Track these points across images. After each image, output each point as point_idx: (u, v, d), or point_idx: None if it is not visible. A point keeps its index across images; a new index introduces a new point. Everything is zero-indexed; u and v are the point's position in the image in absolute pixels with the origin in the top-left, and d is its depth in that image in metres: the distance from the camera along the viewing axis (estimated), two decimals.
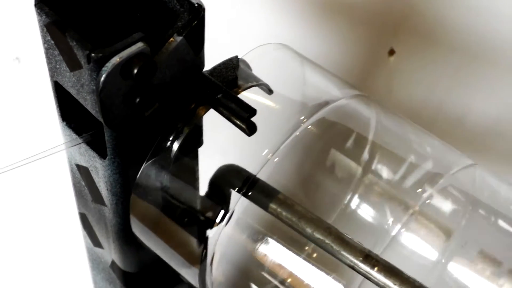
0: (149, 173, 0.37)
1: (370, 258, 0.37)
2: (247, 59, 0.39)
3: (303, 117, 0.38)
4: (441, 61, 0.51)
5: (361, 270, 0.37)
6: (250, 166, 0.38)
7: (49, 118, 0.50)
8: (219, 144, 0.39)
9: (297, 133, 0.38)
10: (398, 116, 0.40)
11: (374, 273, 0.36)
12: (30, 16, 0.55)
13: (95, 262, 0.44)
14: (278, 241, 0.41)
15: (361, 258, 0.37)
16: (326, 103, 0.38)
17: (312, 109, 0.38)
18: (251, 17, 0.54)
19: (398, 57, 0.52)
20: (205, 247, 0.39)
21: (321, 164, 0.43)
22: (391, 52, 0.53)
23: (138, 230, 0.39)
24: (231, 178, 0.39)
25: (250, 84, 0.38)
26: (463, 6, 0.49)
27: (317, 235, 0.38)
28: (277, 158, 0.38)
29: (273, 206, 0.39)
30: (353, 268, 0.37)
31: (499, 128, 0.51)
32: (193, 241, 0.39)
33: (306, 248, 0.43)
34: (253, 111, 0.35)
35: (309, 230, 0.38)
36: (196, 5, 0.34)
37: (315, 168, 0.43)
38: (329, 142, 0.41)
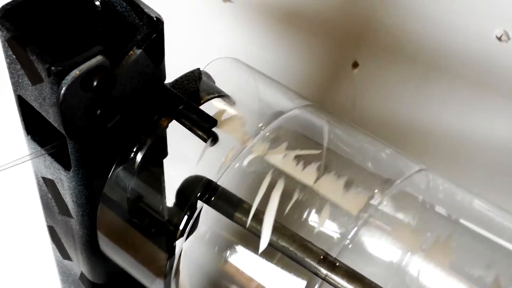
0: (114, 184, 0.38)
1: (333, 264, 0.37)
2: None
3: (260, 124, 0.38)
4: (403, 73, 0.52)
5: (324, 276, 0.37)
6: (213, 173, 0.39)
7: (14, 132, 0.50)
8: (184, 153, 0.40)
9: (255, 140, 0.38)
10: (348, 124, 0.41)
11: (337, 279, 0.37)
12: None
13: (65, 275, 0.45)
14: (238, 251, 0.42)
15: (324, 265, 0.37)
16: (281, 112, 0.39)
17: (269, 117, 0.39)
18: (214, 32, 0.55)
19: (362, 70, 0.53)
20: (170, 258, 0.39)
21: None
22: (355, 65, 0.54)
23: (106, 245, 0.40)
24: (195, 187, 0.40)
25: (211, 95, 0.39)
26: (424, 18, 0.50)
27: (282, 243, 0.39)
28: (237, 164, 0.38)
29: (238, 215, 0.40)
30: (316, 274, 0.38)
31: (459, 136, 0.52)
32: (159, 253, 0.40)
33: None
34: (214, 122, 0.36)
35: (273, 238, 0.39)
36: (155, 18, 0.35)
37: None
38: (286, 149, 0.42)
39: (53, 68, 0.32)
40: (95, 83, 0.33)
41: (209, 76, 0.40)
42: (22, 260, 0.56)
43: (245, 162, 0.38)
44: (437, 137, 0.53)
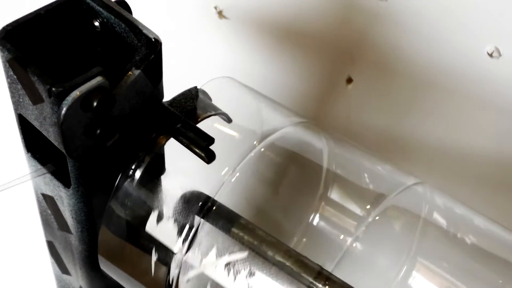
0: (115, 202, 0.38)
1: (328, 279, 0.38)
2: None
3: (255, 141, 0.39)
4: (397, 89, 0.53)
5: None
6: (210, 189, 0.39)
7: (13, 150, 0.51)
8: (182, 169, 0.41)
9: (248, 157, 0.39)
10: (344, 140, 0.42)
11: None
12: None
13: None
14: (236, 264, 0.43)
15: (319, 279, 0.38)
16: (275, 129, 0.40)
17: (263, 134, 0.39)
18: (210, 49, 0.55)
19: (356, 85, 0.54)
20: (169, 274, 0.40)
21: (275, 184, 0.44)
22: (349, 80, 0.54)
23: (106, 264, 0.41)
24: (193, 203, 0.40)
25: (208, 113, 0.39)
26: (415, 36, 0.51)
27: (278, 258, 0.39)
28: (234, 178, 0.39)
29: (235, 230, 0.40)
30: None
31: (450, 149, 0.53)
32: (158, 270, 0.41)
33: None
34: (211, 140, 0.37)
35: (270, 253, 0.39)
36: (153, 39, 0.35)
37: (269, 189, 0.45)
38: (280, 165, 0.43)
39: (53, 89, 0.33)
40: (95, 104, 0.33)
41: (206, 94, 0.41)
42: (21, 274, 0.56)
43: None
44: (430, 150, 0.54)
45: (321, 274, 0.38)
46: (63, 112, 0.33)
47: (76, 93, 0.33)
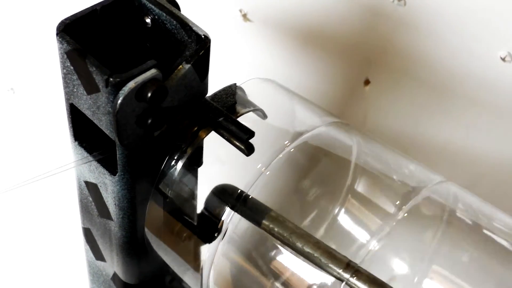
0: (156, 191, 0.40)
1: (356, 271, 0.40)
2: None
3: (286, 141, 0.41)
4: (412, 92, 0.55)
5: (348, 282, 0.40)
6: (243, 182, 0.41)
7: (41, 143, 0.52)
8: (217, 163, 0.42)
9: (280, 155, 0.41)
10: (375, 140, 0.44)
11: (361, 285, 0.39)
12: (25, 48, 0.58)
13: (96, 275, 0.47)
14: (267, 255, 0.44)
15: (347, 271, 0.40)
16: (307, 129, 0.41)
17: (295, 134, 0.41)
18: (235, 51, 0.57)
19: (373, 87, 0.56)
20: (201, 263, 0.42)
21: (306, 182, 0.46)
22: (367, 82, 0.56)
23: (151, 239, 0.42)
24: (225, 196, 0.42)
25: (247, 109, 0.41)
26: (432, 40, 0.53)
27: (307, 249, 0.41)
28: (268, 172, 0.41)
29: (265, 222, 0.42)
30: (340, 280, 0.40)
31: (463, 151, 0.55)
32: (192, 260, 0.42)
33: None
34: (251, 133, 0.39)
35: (299, 244, 0.41)
36: (203, 36, 0.37)
37: (301, 186, 0.46)
38: (312, 164, 0.45)
39: (111, 79, 0.35)
40: (149, 94, 0.35)
41: (243, 91, 0.42)
42: (54, 261, 0.57)
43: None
44: (444, 153, 0.56)
45: (350, 266, 0.40)
46: (119, 101, 0.35)
47: (132, 83, 0.35)
